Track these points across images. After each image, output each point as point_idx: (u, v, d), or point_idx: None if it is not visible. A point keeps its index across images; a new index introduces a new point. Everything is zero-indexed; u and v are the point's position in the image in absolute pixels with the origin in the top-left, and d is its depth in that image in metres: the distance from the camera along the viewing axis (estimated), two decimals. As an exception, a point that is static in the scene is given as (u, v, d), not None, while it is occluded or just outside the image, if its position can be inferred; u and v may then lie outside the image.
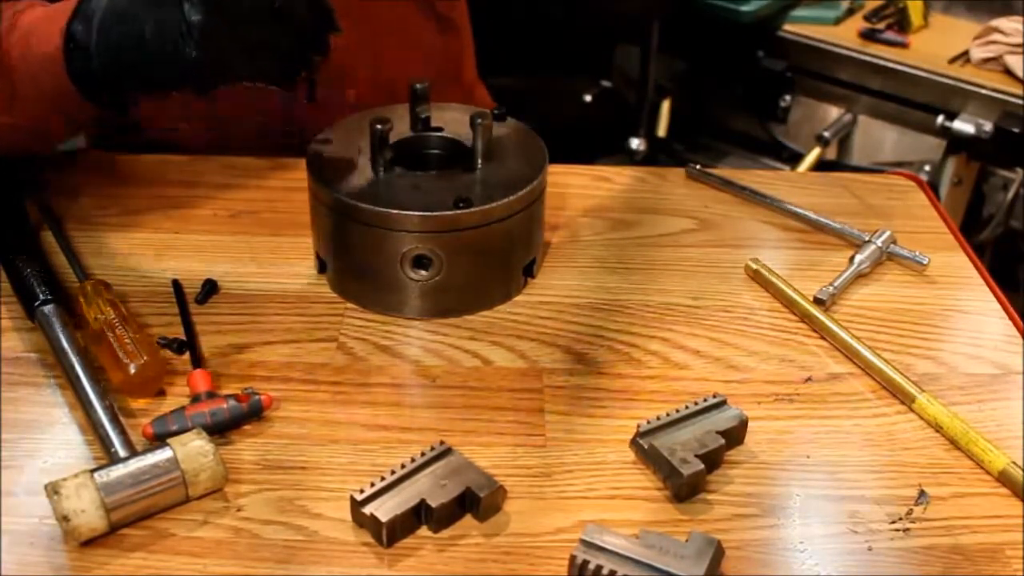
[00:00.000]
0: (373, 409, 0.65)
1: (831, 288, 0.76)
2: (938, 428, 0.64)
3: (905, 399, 0.67)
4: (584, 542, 0.53)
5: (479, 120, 0.73)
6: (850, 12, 2.17)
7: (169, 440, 0.57)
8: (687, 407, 0.62)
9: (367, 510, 0.54)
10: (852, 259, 0.80)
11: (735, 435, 0.62)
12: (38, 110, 0.77)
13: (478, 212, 0.69)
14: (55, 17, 0.72)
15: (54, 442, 0.61)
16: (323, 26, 0.70)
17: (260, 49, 0.69)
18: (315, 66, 0.72)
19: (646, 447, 0.60)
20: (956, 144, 1.95)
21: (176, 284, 0.75)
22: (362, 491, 0.55)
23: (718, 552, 0.53)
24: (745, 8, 2.01)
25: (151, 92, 0.76)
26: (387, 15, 0.99)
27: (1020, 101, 1.86)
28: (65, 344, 0.65)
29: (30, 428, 0.62)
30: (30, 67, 0.74)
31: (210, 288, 0.74)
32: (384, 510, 0.54)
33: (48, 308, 0.67)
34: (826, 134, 2.09)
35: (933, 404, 0.65)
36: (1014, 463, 0.60)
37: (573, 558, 0.52)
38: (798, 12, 2.14)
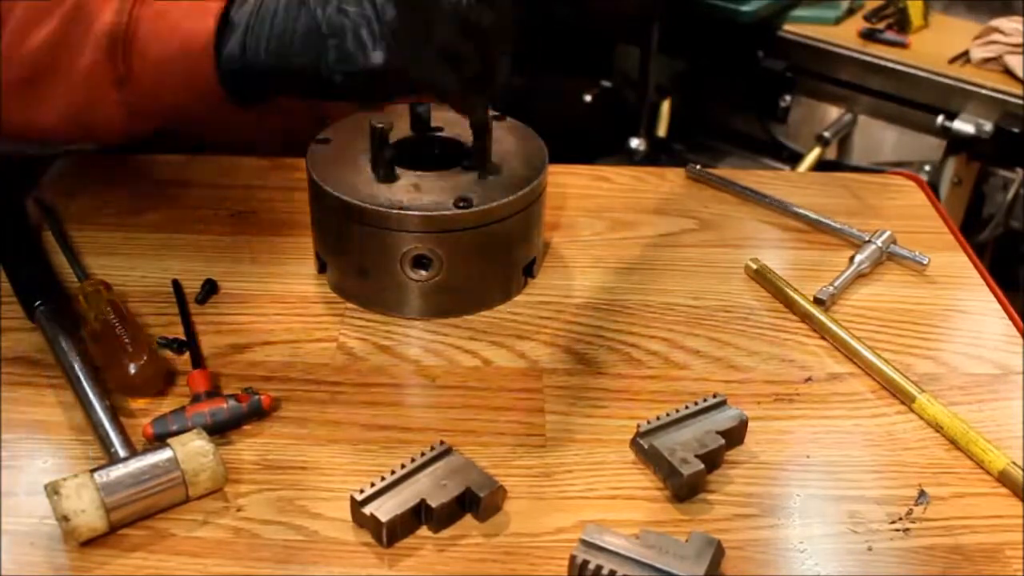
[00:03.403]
0: (373, 409, 0.65)
1: (831, 288, 0.76)
2: (938, 428, 0.64)
3: (905, 399, 0.67)
4: (584, 542, 0.53)
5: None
6: (850, 12, 2.17)
7: (169, 440, 0.57)
8: (687, 407, 0.62)
9: (367, 510, 0.54)
10: (852, 259, 0.80)
11: (735, 435, 0.62)
12: (154, 96, 0.68)
13: (478, 212, 0.69)
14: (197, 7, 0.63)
15: (54, 442, 0.61)
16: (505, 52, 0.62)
17: (451, 62, 0.60)
18: (495, 93, 0.63)
19: (646, 447, 0.60)
20: (956, 144, 1.95)
21: (176, 284, 0.75)
22: (362, 491, 0.55)
23: (718, 552, 0.53)
24: (745, 8, 2.01)
25: (311, 97, 0.67)
26: None
27: (1020, 101, 1.86)
28: (65, 344, 0.65)
29: (30, 428, 0.62)
30: (158, 50, 0.65)
31: (210, 288, 0.74)
32: (384, 510, 0.54)
33: (48, 308, 0.67)
34: (826, 134, 2.09)
35: (933, 404, 0.65)
36: (1014, 463, 0.60)
37: (573, 558, 0.52)
38: (798, 12, 2.14)
